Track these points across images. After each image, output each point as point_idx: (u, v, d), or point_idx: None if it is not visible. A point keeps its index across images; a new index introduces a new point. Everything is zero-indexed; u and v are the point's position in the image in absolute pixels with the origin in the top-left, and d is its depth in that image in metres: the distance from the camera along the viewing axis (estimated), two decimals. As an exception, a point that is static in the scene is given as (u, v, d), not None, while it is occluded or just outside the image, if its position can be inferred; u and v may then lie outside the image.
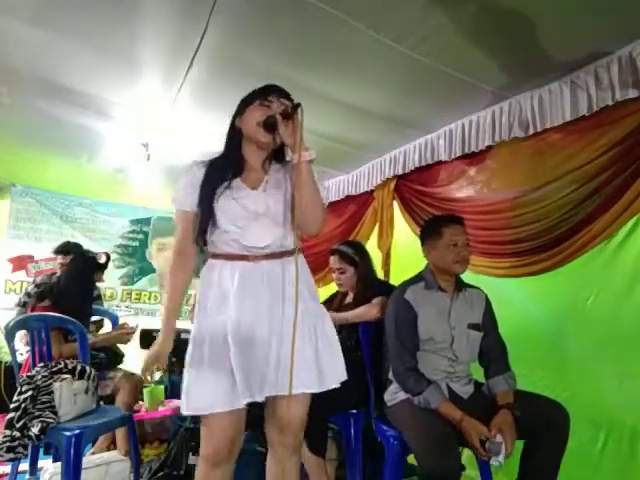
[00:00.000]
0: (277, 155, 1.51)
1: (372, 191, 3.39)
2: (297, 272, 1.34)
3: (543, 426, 1.64)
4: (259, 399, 1.30)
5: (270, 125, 1.39)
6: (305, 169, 1.37)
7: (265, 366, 1.31)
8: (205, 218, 1.39)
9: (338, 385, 1.38)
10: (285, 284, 1.37)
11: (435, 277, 1.93)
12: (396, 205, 3.19)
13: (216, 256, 1.41)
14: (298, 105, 1.35)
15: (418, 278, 1.97)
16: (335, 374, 1.39)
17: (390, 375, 1.90)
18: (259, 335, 1.31)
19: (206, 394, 1.29)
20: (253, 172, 1.46)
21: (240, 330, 1.30)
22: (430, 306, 1.88)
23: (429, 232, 1.98)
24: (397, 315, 1.89)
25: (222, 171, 1.42)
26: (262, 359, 1.31)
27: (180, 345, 3.09)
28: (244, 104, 1.47)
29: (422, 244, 2.01)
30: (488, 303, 1.97)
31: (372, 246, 3.15)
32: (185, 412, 1.32)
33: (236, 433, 1.37)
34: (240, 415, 1.35)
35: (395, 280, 2.62)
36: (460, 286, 1.95)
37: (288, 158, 1.46)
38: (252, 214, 1.39)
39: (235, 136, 1.47)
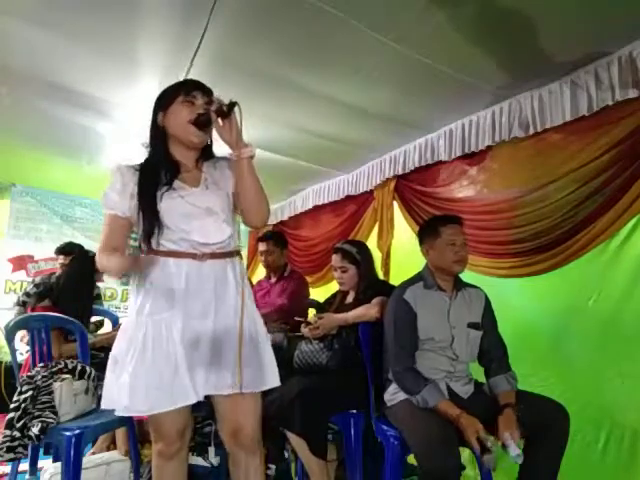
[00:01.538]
0: (206, 152, 1.48)
1: (372, 191, 3.39)
2: (241, 273, 1.41)
3: (543, 426, 1.64)
4: (201, 396, 1.30)
5: (203, 123, 1.35)
6: (247, 165, 1.37)
7: (210, 365, 1.31)
8: (150, 223, 1.34)
9: (279, 384, 1.41)
10: (229, 284, 1.38)
11: (434, 277, 1.94)
12: (396, 205, 3.20)
13: (157, 253, 1.36)
14: (234, 104, 1.32)
15: (417, 278, 1.98)
16: (274, 374, 1.41)
17: (390, 375, 1.90)
18: (205, 334, 1.31)
19: (150, 394, 1.26)
20: (187, 172, 1.43)
21: (187, 328, 1.30)
22: (429, 306, 1.88)
23: (427, 232, 1.99)
24: (396, 315, 1.90)
25: (157, 175, 1.38)
26: (208, 358, 1.31)
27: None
28: (165, 99, 1.42)
29: (420, 244, 2.02)
30: (487, 302, 1.98)
31: (372, 246, 3.14)
32: (126, 413, 1.29)
33: (185, 424, 1.40)
34: (187, 407, 1.35)
35: (395, 280, 2.62)
36: (459, 285, 1.96)
37: (227, 155, 1.43)
38: (203, 211, 1.37)
39: (160, 135, 1.42)
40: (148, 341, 1.29)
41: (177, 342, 1.28)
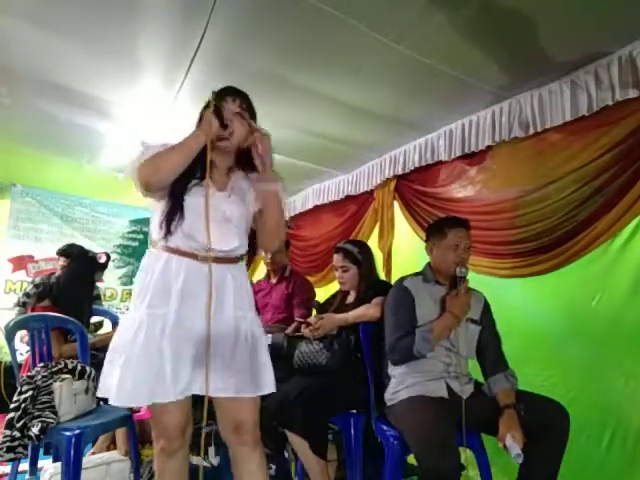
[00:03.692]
0: (241, 161, 1.50)
1: (372, 191, 3.39)
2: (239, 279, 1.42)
3: (543, 426, 1.64)
4: (181, 396, 1.30)
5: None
6: (270, 197, 1.43)
7: (199, 367, 1.31)
8: (174, 209, 1.35)
9: (274, 390, 1.41)
10: (228, 289, 1.38)
11: (433, 273, 1.99)
12: (396, 205, 3.20)
13: (163, 247, 1.37)
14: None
15: (417, 273, 2.04)
16: (270, 380, 1.41)
17: (390, 370, 1.91)
18: (197, 335, 1.32)
19: (134, 386, 1.26)
20: (219, 175, 1.45)
21: (178, 327, 1.31)
22: (427, 296, 1.93)
23: (434, 231, 2.02)
24: (395, 298, 1.97)
25: (192, 166, 1.38)
26: (196, 359, 1.31)
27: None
28: (202, 111, 1.46)
29: (426, 241, 2.07)
30: (486, 304, 2.00)
31: (373, 246, 3.14)
32: (115, 403, 1.29)
33: (186, 421, 1.41)
34: (187, 404, 1.38)
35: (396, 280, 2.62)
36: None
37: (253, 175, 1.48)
38: (219, 216, 1.38)
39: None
40: (140, 334, 1.29)
41: (167, 339, 1.29)
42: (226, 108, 1.40)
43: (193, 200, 1.36)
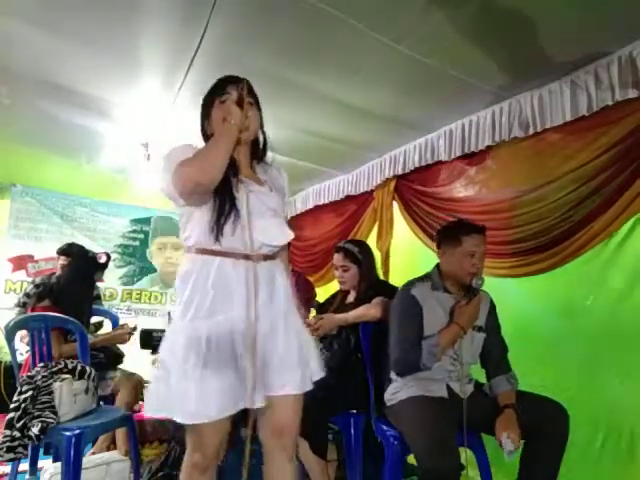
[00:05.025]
0: (256, 152, 1.45)
1: (372, 191, 3.39)
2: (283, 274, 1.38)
3: (543, 426, 1.65)
4: (263, 400, 1.24)
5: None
6: None
7: (267, 367, 1.27)
8: (226, 209, 1.26)
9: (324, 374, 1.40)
10: (279, 286, 1.35)
11: (443, 280, 1.92)
12: (395, 205, 3.20)
13: (209, 252, 1.28)
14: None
15: (425, 278, 1.95)
16: (316, 376, 1.40)
17: (392, 375, 1.89)
18: (263, 336, 1.27)
19: (212, 400, 1.19)
20: (245, 168, 1.40)
21: (247, 331, 1.24)
22: (436, 305, 1.87)
23: (448, 237, 1.92)
24: (402, 307, 1.89)
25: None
26: (265, 360, 1.28)
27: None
28: (205, 109, 1.40)
29: (438, 246, 1.97)
30: (492, 305, 1.96)
31: (371, 246, 3.15)
32: (188, 421, 1.19)
33: (225, 437, 1.33)
34: (230, 416, 1.27)
35: (394, 280, 2.62)
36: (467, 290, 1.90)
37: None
38: (269, 210, 1.34)
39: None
40: (212, 344, 1.21)
41: (240, 345, 1.23)
42: (235, 97, 1.33)
43: (241, 197, 1.29)
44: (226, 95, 1.36)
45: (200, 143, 1.39)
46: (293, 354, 1.31)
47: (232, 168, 1.29)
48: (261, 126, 1.44)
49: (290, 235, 1.38)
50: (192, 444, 1.30)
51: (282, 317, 1.33)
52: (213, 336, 1.22)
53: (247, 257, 1.29)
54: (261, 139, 1.45)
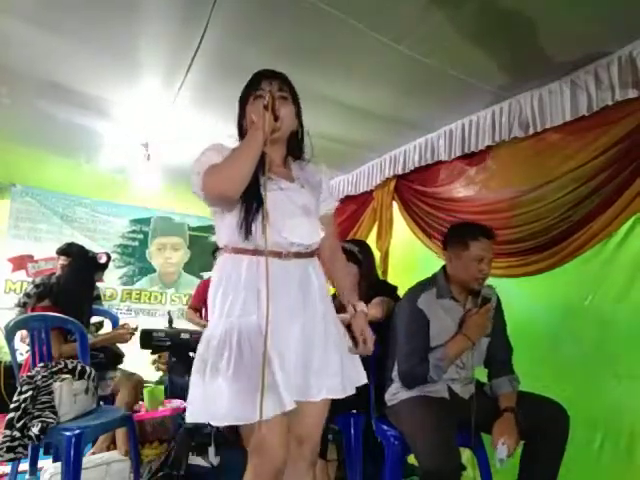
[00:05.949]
0: (292, 150, 1.43)
1: (372, 191, 3.39)
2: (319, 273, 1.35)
3: (543, 426, 1.65)
4: (293, 404, 1.18)
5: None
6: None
7: (295, 370, 1.23)
8: (251, 207, 1.24)
9: (354, 391, 1.36)
10: (313, 286, 1.31)
11: (449, 284, 1.88)
12: (395, 205, 3.19)
13: (239, 250, 1.27)
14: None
15: (430, 284, 1.90)
16: (356, 380, 1.38)
17: (393, 375, 1.88)
18: (294, 338, 1.25)
19: (249, 401, 1.13)
20: (278, 167, 1.36)
21: (276, 331, 1.19)
22: (442, 314, 1.83)
23: (455, 241, 1.86)
24: (409, 320, 1.84)
25: None
26: (298, 363, 1.24)
27: (180, 345, 3.08)
28: (241, 105, 1.38)
29: (444, 249, 1.93)
30: (498, 303, 1.93)
31: (370, 246, 3.15)
32: (231, 422, 1.15)
33: (287, 436, 1.24)
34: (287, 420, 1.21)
35: (393, 280, 2.62)
36: (474, 296, 1.87)
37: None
38: (299, 208, 1.30)
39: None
40: (245, 344, 1.19)
41: (269, 346, 1.17)
42: (268, 95, 1.28)
43: (272, 196, 1.25)
44: (260, 91, 1.32)
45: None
46: (333, 358, 1.29)
47: (261, 166, 1.25)
48: (299, 120, 1.40)
49: (320, 234, 1.34)
50: (255, 453, 1.22)
51: (319, 318, 1.30)
52: (244, 336, 1.20)
53: (277, 255, 1.26)
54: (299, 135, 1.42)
